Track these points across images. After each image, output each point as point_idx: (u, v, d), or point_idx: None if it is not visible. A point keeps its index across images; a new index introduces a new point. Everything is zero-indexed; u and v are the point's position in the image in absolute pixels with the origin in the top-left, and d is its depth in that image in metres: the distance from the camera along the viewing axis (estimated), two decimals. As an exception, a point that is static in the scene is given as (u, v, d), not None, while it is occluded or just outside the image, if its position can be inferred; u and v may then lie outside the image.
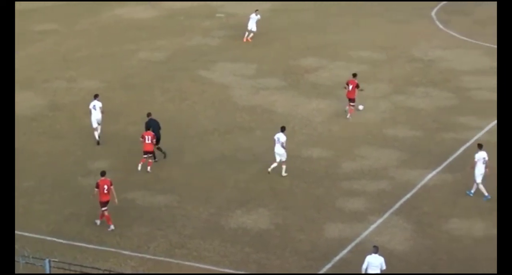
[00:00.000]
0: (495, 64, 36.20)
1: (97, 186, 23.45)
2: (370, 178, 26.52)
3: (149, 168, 26.91)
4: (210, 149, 28.75)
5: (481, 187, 24.96)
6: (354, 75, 31.22)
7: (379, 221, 23.99)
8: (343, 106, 31.92)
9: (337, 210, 24.67)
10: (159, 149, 27.72)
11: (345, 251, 22.52)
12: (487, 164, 24.78)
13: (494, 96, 32.48)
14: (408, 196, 25.38)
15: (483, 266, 21.70)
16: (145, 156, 26.90)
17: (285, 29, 41.68)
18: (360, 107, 31.47)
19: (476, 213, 24.28)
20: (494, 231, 23.11)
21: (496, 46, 37.52)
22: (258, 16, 39.94)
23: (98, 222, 23.80)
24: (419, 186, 25.96)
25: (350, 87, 30.69)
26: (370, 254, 20.19)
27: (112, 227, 23.49)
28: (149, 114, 28.06)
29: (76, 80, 34.88)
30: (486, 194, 24.89)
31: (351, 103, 30.90)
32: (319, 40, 39.84)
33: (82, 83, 34.48)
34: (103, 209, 23.46)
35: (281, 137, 26.71)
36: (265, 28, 41.75)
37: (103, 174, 23.74)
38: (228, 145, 29.13)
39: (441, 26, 41.51)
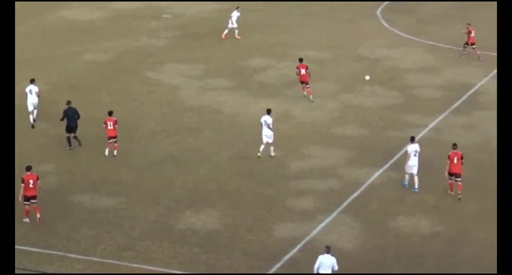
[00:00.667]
0: (437, 62, 36.91)
1: (23, 181, 23.30)
2: (318, 177, 26.66)
3: (115, 151, 27.97)
4: (158, 150, 28.58)
5: (414, 178, 25.56)
6: (301, 60, 32.83)
7: (328, 219, 24.12)
8: (292, 105, 32.08)
9: (286, 210, 24.73)
10: (75, 137, 28.63)
11: (294, 251, 22.58)
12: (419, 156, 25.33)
13: (437, 93, 33.14)
14: (356, 194, 25.58)
15: (429, 262, 21.98)
16: (110, 141, 27.99)
17: (233, 30, 41.58)
18: (367, 77, 33.16)
19: (422, 210, 24.59)
20: (439, 228, 23.50)
21: (438, 44, 38.55)
22: (238, 13, 40.05)
23: (26, 220, 23.49)
24: (366, 184, 26.18)
25: (303, 71, 32.08)
26: (323, 254, 20.26)
27: (28, 219, 23.31)
28: (68, 103, 29.03)
29: (19, 84, 34.23)
30: (416, 187, 25.49)
31: (307, 86, 32.23)
32: (267, 40, 39.92)
33: (25, 86, 33.86)
34: (26, 203, 23.23)
35: (267, 119, 27.78)
36: (212, 28, 41.68)
37: (28, 168, 23.61)
38: (176, 145, 28.99)
39: (386, 25, 41.97)
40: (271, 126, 27.85)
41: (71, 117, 28.54)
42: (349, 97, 33.12)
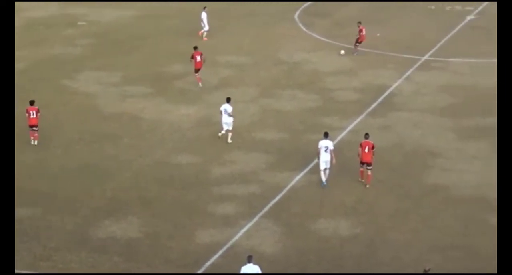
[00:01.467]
0: (354, 64, 37.55)
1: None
2: (240, 182, 26.70)
3: (36, 141, 29.16)
4: (75, 159, 28.12)
5: (322, 173, 26.21)
6: (195, 47, 34.69)
7: (250, 224, 24.16)
8: (213, 111, 32.13)
9: (208, 216, 24.67)
10: None
11: (216, 256, 22.51)
12: (331, 153, 25.98)
13: (354, 96, 33.67)
14: (277, 198, 25.71)
15: (349, 264, 22.24)
16: (31, 129, 29.26)
17: (152, 36, 41.42)
18: (342, 51, 36.17)
19: (341, 212, 24.89)
20: (358, 230, 23.82)
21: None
22: (205, 14, 40.68)
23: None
24: (287, 187, 26.35)
25: (198, 58, 34.20)
26: (245, 264, 20.15)
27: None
28: None
29: None
30: (323, 180, 26.18)
31: (197, 74, 34.58)
32: (186, 46, 39.71)
33: None
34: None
35: (227, 108, 28.94)
36: (130, 35, 41.36)
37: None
38: (94, 153, 28.58)
39: (304, 29, 42.46)
40: (231, 113, 28.96)
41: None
42: (269, 101, 33.32)
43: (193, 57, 34.17)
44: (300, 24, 43.13)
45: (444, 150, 28.66)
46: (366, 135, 26.42)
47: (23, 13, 44.68)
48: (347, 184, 26.36)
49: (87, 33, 41.15)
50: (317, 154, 26.28)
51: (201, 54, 34.24)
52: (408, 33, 37.42)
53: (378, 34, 40.59)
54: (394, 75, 35.68)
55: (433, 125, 30.67)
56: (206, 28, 40.38)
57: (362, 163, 26.24)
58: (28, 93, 33.86)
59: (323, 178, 26.32)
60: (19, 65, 36.98)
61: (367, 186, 26.19)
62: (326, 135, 26.44)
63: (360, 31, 38.05)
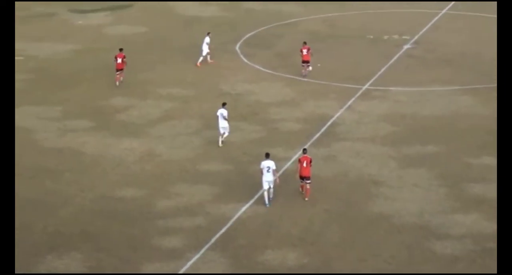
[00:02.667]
0: (296, 95, 38.10)
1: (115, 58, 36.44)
2: (186, 215, 26.75)
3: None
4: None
5: (265, 193, 27.11)
6: (121, 49, 38.85)
7: (196, 257, 24.21)
8: (155, 144, 32.20)
9: (153, 249, 24.63)
10: None
11: (163, 290, 22.48)
12: (274, 173, 27.06)
13: (298, 126, 34.13)
14: (224, 230, 25.83)
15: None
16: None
17: (92, 69, 41.35)
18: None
19: (288, 243, 25.12)
20: (305, 260, 24.05)
21: (296, 77, 39.85)
22: (208, 38, 41.76)
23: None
24: (234, 219, 26.51)
25: (119, 60, 38.38)
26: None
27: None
28: None
29: None
30: (266, 201, 27.13)
31: (117, 73, 38.79)
32: (128, 79, 39.83)
33: None
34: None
35: (223, 112, 30.87)
36: (69, 69, 41.21)
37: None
38: (34, 189, 28.31)
39: (245, 60, 42.95)
40: (227, 118, 30.80)
41: None
42: (213, 133, 33.51)
43: (116, 58, 38.77)
44: (241, 56, 43.64)
45: (386, 178, 29.27)
46: (304, 151, 28.05)
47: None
48: (293, 214, 26.67)
49: (24, 68, 40.82)
50: (260, 174, 27.14)
51: (123, 57, 38.70)
52: (348, 63, 38.22)
53: (318, 65, 41.33)
54: (336, 105, 36.34)
55: (376, 154, 31.31)
56: (205, 52, 41.44)
57: (301, 177, 27.58)
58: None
59: (266, 199, 27.21)
60: (-45, 101, 36.48)
61: (306, 199, 27.46)
62: (267, 156, 27.50)
63: (300, 51, 39.50)
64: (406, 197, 27.87)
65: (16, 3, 54.23)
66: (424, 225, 26.00)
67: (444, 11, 51.67)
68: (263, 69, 41.55)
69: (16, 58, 42.54)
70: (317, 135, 33.10)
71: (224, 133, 32.01)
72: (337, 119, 34.93)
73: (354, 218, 26.55)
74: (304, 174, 27.49)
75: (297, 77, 40.03)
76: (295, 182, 28.27)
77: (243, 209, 27.14)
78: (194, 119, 35.01)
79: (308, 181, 27.47)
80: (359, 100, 36.95)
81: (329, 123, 34.41)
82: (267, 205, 27.13)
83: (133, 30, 48.53)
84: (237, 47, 44.95)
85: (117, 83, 38.66)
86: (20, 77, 39.73)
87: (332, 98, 37.26)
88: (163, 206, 27.32)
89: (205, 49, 41.58)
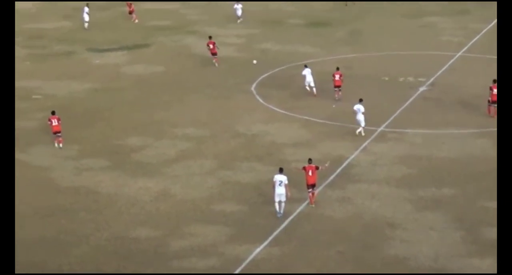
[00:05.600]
0: (312, 136, 38.33)
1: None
2: (200, 255, 26.88)
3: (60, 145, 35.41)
4: (29, 233, 28.03)
5: (276, 204, 29.06)
6: (210, 37, 45.96)
7: (210, 298, 24.29)
8: (171, 184, 32.46)
9: (167, 290, 24.73)
10: None
11: None
12: (286, 187, 28.91)
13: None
14: (237, 271, 25.92)
15: None
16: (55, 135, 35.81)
17: (108, 109, 41.85)
18: (254, 61, 46.41)
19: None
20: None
21: (311, 118, 40.13)
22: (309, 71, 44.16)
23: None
24: (247, 260, 26.59)
25: (211, 46, 45.80)
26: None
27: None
28: None
29: None
30: (279, 211, 29.08)
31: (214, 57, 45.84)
32: (144, 119, 40.32)
33: None
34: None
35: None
36: (86, 108, 41.74)
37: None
38: (49, 227, 28.58)
39: (261, 101, 43.34)
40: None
41: None
42: (228, 173, 33.78)
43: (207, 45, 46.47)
44: (257, 96, 44.05)
45: (402, 221, 29.32)
46: (310, 161, 30.08)
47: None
48: (307, 256, 26.73)
49: (42, 106, 41.38)
50: (272, 187, 29.04)
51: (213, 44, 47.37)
52: (363, 105, 38.42)
53: (333, 106, 41.68)
54: (351, 147, 36.55)
55: (391, 196, 31.41)
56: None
57: (308, 186, 29.74)
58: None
59: (277, 208, 29.12)
60: (-28, 139, 37.01)
61: (312, 205, 29.86)
62: (280, 171, 29.33)
63: (333, 76, 42.11)
64: (422, 240, 27.89)
65: (36, 41, 55.36)
66: (440, 269, 25.99)
67: (459, 53, 52.08)
68: (278, 110, 41.91)
69: (34, 97, 43.38)
70: (332, 176, 33.26)
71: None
72: (352, 161, 35.11)
73: (369, 260, 26.58)
74: (311, 182, 29.64)
75: (312, 118, 40.34)
76: (309, 223, 28.37)
77: (257, 250, 27.23)
78: (209, 160, 35.30)
79: (314, 188, 29.80)
80: (374, 142, 37.16)
81: (344, 164, 34.59)
82: (279, 215, 28.99)
83: (150, 69, 49.18)
84: (252, 88, 45.40)
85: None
86: (37, 115, 40.32)
87: (347, 140, 37.48)
88: (178, 246, 27.47)
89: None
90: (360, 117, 36.83)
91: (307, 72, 43.47)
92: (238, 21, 58.79)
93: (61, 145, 35.87)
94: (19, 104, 41.52)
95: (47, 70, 48.89)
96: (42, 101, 42.81)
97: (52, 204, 30.56)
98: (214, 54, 49.00)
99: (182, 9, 66.54)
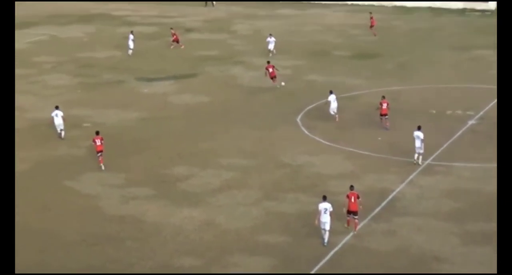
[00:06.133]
0: (356, 168, 38.16)
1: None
2: (243, 286, 26.86)
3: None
4: (77, 261, 28.34)
5: (326, 234, 29.50)
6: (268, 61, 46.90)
7: None
8: (215, 214, 32.57)
9: (210, 321, 24.69)
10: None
11: None
12: (331, 214, 29.47)
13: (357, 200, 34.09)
14: (281, 302, 25.83)
15: None
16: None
17: (155, 138, 42.30)
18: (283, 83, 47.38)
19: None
20: None
21: (356, 150, 40.00)
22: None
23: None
24: (291, 292, 26.50)
25: (271, 70, 47.81)
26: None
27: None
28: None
29: None
30: (324, 240, 29.59)
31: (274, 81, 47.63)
32: (189, 148, 40.65)
33: None
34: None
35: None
36: (134, 137, 42.26)
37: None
38: (96, 256, 28.84)
39: (306, 132, 43.37)
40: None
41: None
42: (272, 204, 33.79)
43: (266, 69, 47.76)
44: (302, 127, 44.10)
45: (449, 255, 28.94)
46: (351, 187, 30.79)
47: (26, 114, 45.73)
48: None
49: (91, 134, 41.96)
50: (317, 216, 29.46)
51: (273, 67, 49.40)
52: (410, 137, 38.21)
53: (379, 138, 41.51)
54: (397, 179, 36.29)
55: (438, 230, 31.04)
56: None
57: (349, 212, 30.29)
58: (30, 194, 34.46)
59: (325, 237, 29.50)
60: (21, 166, 37.71)
61: (354, 232, 30.14)
62: (324, 198, 29.90)
63: (380, 104, 42.56)
64: (469, 275, 27.48)
65: (87, 70, 56.44)
66: (487, 305, 25.54)
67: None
68: (323, 141, 41.87)
69: (83, 125, 44.09)
70: (377, 209, 33.03)
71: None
72: (398, 193, 34.84)
73: (414, 295, 26.25)
74: (352, 208, 30.09)
75: (357, 150, 40.21)
76: (354, 256, 28.15)
77: (301, 282, 27.13)
78: (254, 190, 35.37)
79: (356, 217, 30.17)
80: (421, 175, 36.84)
81: (389, 197, 34.34)
82: (325, 244, 29.31)
83: (197, 99, 49.67)
84: (298, 119, 45.48)
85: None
86: (86, 143, 40.92)
87: (392, 172, 37.24)
88: (221, 277, 27.50)
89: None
90: (419, 144, 37.11)
91: (332, 98, 44.43)
92: (270, 55, 58.43)
93: (102, 165, 37.27)
94: (69, 132, 42.34)
95: (97, 98, 49.74)
96: (91, 130, 43.38)
97: (99, 232, 30.91)
98: (273, 77, 50.20)
99: (230, 40, 67.26)
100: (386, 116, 42.84)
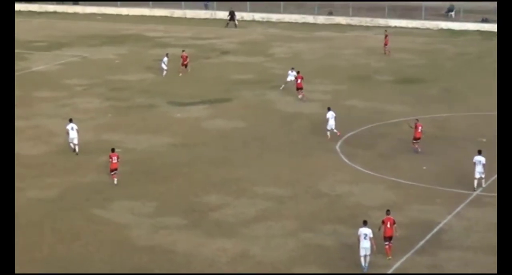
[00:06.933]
0: (399, 198, 37.76)
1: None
2: (277, 322, 26.58)
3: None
4: (105, 294, 28.33)
5: (362, 259, 30.04)
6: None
7: None
8: (250, 245, 32.37)
9: None
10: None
11: None
12: (371, 240, 29.91)
13: (400, 232, 33.53)
14: None
15: None
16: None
17: (187, 165, 42.35)
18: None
19: None
20: None
21: (399, 180, 39.61)
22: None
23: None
24: None
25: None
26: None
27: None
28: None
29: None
30: (365, 266, 29.98)
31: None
32: (223, 176, 40.59)
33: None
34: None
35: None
36: (165, 163, 42.36)
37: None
38: (125, 289, 28.79)
39: (345, 160, 43.09)
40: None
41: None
42: (309, 235, 33.52)
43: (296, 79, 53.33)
44: (341, 155, 43.84)
45: (498, 293, 28.32)
46: (388, 212, 31.23)
47: (55, 138, 46.09)
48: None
49: (121, 160, 42.13)
50: (357, 241, 29.96)
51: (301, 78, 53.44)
52: (457, 167, 37.81)
53: (424, 167, 41.08)
54: (443, 211, 35.80)
55: (486, 265, 30.48)
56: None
57: (385, 238, 30.72)
58: (57, 222, 34.63)
59: (362, 262, 29.89)
60: (49, 193, 37.99)
61: (389, 257, 30.61)
62: (365, 223, 30.31)
63: (416, 127, 42.35)
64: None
65: (119, 93, 56.89)
66: None
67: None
68: (364, 170, 41.55)
69: (116, 150, 44.30)
70: (422, 242, 32.58)
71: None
72: (444, 226, 34.36)
73: None
74: (388, 234, 30.65)
75: (400, 180, 39.80)
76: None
77: (340, 319, 26.77)
78: (290, 221, 35.13)
79: (391, 241, 30.79)
80: (468, 207, 36.31)
81: (435, 230, 33.86)
82: (365, 269, 29.79)
83: (231, 124, 49.72)
84: (337, 146, 45.23)
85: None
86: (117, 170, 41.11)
87: (438, 204, 36.76)
88: (255, 312, 27.25)
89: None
90: (481, 169, 37.22)
91: (330, 115, 45.54)
92: (281, 87, 57.69)
93: (115, 180, 38.90)
94: (99, 158, 42.51)
95: (128, 123, 50.03)
96: (122, 155, 43.48)
97: (128, 262, 30.90)
98: (299, 88, 53.28)
99: (266, 63, 67.46)
100: (419, 140, 42.81)
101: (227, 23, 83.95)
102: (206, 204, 37.07)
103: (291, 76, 56.94)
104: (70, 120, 44.40)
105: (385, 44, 68.92)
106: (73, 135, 43.73)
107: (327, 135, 45.63)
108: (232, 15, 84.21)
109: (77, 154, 43.25)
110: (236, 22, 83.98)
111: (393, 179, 39.84)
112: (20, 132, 45.65)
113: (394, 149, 43.83)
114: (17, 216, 35.06)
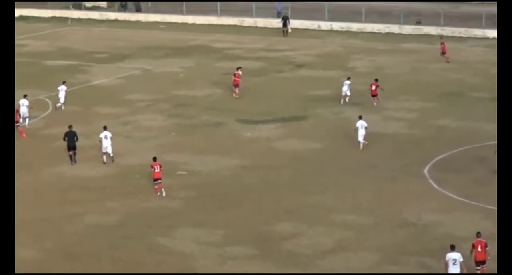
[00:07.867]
0: (496, 229, 37.26)
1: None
2: None
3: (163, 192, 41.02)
4: None
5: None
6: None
7: None
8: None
9: None
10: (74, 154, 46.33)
11: None
12: (461, 265, 30.95)
13: (494, 265, 33.23)
14: None
15: None
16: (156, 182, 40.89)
17: (257, 189, 42.66)
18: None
19: None
20: None
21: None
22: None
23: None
24: None
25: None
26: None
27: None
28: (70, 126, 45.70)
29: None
30: None
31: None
32: (296, 202, 40.74)
33: (18, 253, 34.60)
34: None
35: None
36: (234, 187, 42.72)
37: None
38: (189, 325, 29.15)
39: (435, 186, 42.78)
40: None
41: (70, 138, 45.26)
42: (393, 269, 33.40)
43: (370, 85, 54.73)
44: (430, 180, 43.54)
45: None
46: (478, 234, 31.98)
47: (116, 159, 46.84)
48: None
49: (186, 184, 42.82)
50: (444, 266, 31.01)
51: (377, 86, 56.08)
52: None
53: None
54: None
55: None
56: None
57: (477, 262, 31.44)
58: (117, 251, 35.27)
59: None
60: (109, 219, 38.75)
61: None
62: (453, 248, 31.29)
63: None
64: None
65: (184, 109, 57.59)
66: None
67: None
68: (456, 197, 41.18)
69: (178, 172, 44.94)
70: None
71: None
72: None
73: None
74: (479, 258, 31.33)
75: (497, 209, 39.26)
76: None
77: None
78: (371, 252, 35.06)
79: (484, 265, 31.48)
80: None
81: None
82: None
83: (306, 145, 49.83)
84: (425, 171, 44.94)
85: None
86: (181, 194, 41.68)
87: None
88: None
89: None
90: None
91: (360, 125, 48.32)
92: (341, 101, 57.85)
93: (163, 191, 41.00)
94: (162, 181, 42.95)
95: (194, 142, 50.59)
96: (187, 178, 44.23)
97: (193, 295, 31.29)
98: (374, 95, 56.60)
99: (345, 77, 67.43)
100: None
101: (283, 31, 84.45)
102: (278, 232, 37.26)
103: (345, 86, 57.77)
104: (105, 128, 46.37)
105: (443, 52, 70.17)
106: (107, 144, 45.47)
107: (359, 147, 47.80)
108: (285, 20, 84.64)
109: (113, 160, 45.82)
110: (289, 29, 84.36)
111: (491, 207, 39.19)
112: (80, 151, 46.74)
113: (491, 174, 43.27)
114: (75, 244, 35.99)
